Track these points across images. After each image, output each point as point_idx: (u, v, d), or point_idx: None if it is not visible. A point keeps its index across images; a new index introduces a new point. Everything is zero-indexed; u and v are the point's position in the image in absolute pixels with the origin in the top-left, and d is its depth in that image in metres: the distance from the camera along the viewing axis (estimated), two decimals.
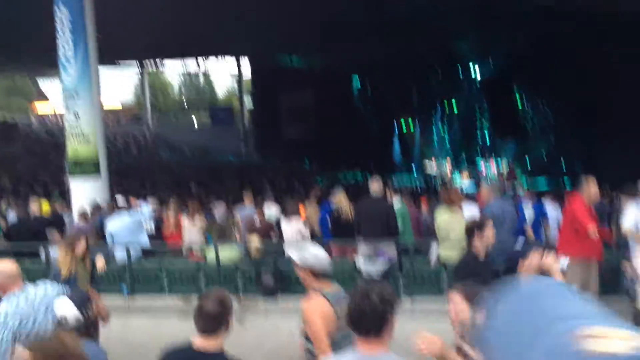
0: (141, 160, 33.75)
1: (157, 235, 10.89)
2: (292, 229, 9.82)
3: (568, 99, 26.39)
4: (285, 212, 10.44)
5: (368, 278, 8.67)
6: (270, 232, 10.19)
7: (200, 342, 3.44)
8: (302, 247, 4.41)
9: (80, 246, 6.33)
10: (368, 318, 2.93)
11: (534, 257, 4.03)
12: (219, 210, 12.14)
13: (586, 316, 0.88)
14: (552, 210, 10.45)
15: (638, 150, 20.57)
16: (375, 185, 9.22)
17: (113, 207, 11.64)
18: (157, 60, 39.84)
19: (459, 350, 3.30)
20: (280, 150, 33.32)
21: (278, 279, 8.84)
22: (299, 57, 32.75)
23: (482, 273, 5.02)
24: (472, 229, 5.18)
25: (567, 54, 24.04)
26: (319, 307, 3.92)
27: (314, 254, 4.15)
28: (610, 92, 22.78)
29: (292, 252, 4.47)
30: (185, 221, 11.06)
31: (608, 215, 9.69)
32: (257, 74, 37.46)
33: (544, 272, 4.06)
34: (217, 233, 10.12)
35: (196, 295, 9.16)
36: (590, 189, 7.32)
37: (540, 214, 10.27)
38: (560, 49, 23.92)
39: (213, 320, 3.47)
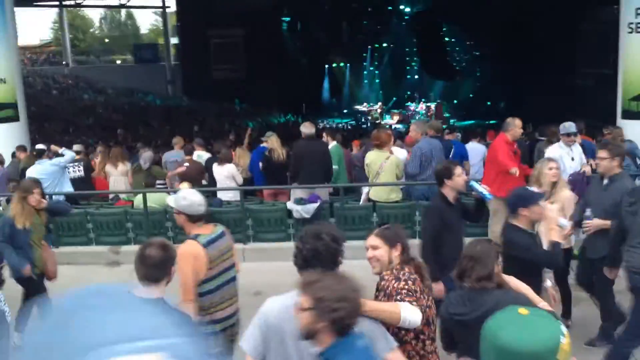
0: (62, 103, 32.43)
1: (87, 182, 10.52)
2: (225, 172, 9.70)
3: (495, 39, 26.77)
4: (218, 156, 10.28)
5: (299, 218, 8.71)
6: (201, 176, 10.01)
7: (142, 291, 3.32)
8: (178, 193, 4.51)
9: (35, 196, 5.93)
10: (322, 257, 2.96)
11: (538, 208, 4.35)
12: (144, 154, 11.80)
13: (130, 338, 0.74)
14: (477, 149, 10.60)
15: (559, 91, 21.21)
16: (308, 128, 9.16)
17: (33, 154, 11.14)
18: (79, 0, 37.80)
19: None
20: (209, 91, 32.55)
21: None
22: None
23: (453, 217, 5.16)
24: (441, 176, 5.20)
25: None
26: (189, 253, 4.05)
27: (188, 199, 4.22)
28: (535, 34, 23.21)
29: (169, 199, 4.63)
30: (109, 167, 10.76)
31: (530, 152, 9.92)
32: (183, 9, 36.05)
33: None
34: (143, 178, 9.90)
35: (124, 244, 9.01)
36: (515, 128, 7.45)
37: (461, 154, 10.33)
38: None
39: (156, 269, 3.40)
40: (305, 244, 3.00)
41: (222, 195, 9.65)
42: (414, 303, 3.15)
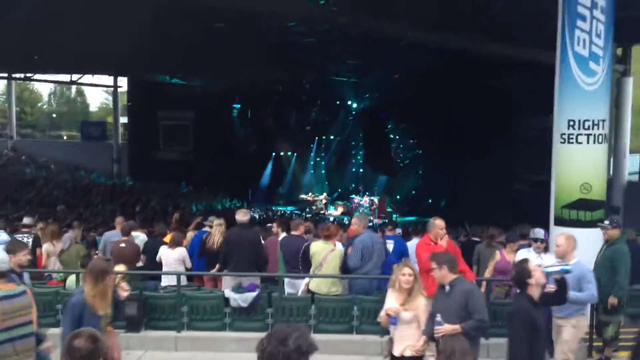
0: (3, 176, 31.63)
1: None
2: (176, 255, 9.61)
3: (436, 139, 27.74)
4: (162, 239, 10.19)
5: (237, 307, 8.60)
6: (136, 258, 9.82)
7: None
8: None
9: (111, 278, 5.38)
10: None
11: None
12: (66, 235, 11.53)
13: None
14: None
15: (497, 193, 21.90)
16: (242, 216, 9.21)
17: None
18: (29, 74, 37.56)
19: None
20: (155, 172, 32.33)
21: (143, 309, 8.48)
22: (180, 77, 32.13)
23: (541, 318, 5.27)
24: (521, 278, 5.31)
25: (437, 92, 25.27)
26: None
27: None
28: (475, 137, 24.15)
29: None
30: (48, 245, 10.48)
31: (467, 253, 10.12)
32: (134, 89, 36.20)
33: None
34: (76, 258, 9.65)
35: (53, 327, 8.63)
36: (436, 229, 7.66)
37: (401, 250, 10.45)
38: (432, 88, 25.10)
39: None
40: (268, 345, 2.80)
41: (167, 280, 9.46)
42: None
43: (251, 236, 9.19)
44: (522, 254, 7.42)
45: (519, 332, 5.09)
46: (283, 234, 9.97)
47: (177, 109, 33.47)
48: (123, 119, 39.60)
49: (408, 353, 5.85)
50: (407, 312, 5.86)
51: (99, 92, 55.97)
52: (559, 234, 7.04)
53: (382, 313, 6.05)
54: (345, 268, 8.67)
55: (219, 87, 31.72)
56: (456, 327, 5.48)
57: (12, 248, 6.10)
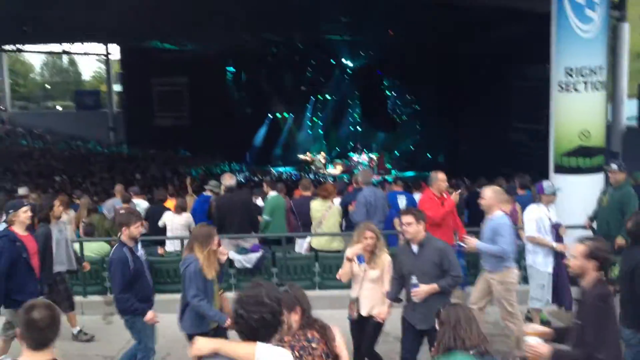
0: (0, 148, 31.60)
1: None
2: (182, 221, 9.64)
3: (433, 94, 27.60)
4: (162, 205, 10.22)
5: (242, 268, 8.68)
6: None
7: (29, 358, 3.00)
8: None
9: (216, 241, 5.60)
10: (270, 324, 2.78)
11: None
12: (83, 202, 11.62)
13: None
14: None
15: (495, 145, 21.89)
16: (228, 180, 9.24)
17: None
18: (20, 45, 37.13)
19: None
20: (152, 139, 32.31)
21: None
22: (171, 43, 31.80)
23: None
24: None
25: (432, 47, 25.06)
26: None
27: None
28: (472, 90, 24.02)
29: None
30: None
31: (466, 205, 10.17)
32: (127, 57, 35.91)
33: None
34: (83, 227, 9.72)
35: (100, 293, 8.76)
36: (439, 182, 7.70)
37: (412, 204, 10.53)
38: (427, 42, 24.87)
39: (45, 331, 3.03)
40: (251, 313, 2.77)
41: (171, 245, 9.53)
42: (287, 348, 3.03)
43: (242, 199, 9.23)
44: (532, 209, 7.21)
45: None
46: (273, 193, 10.08)
47: (170, 75, 33.29)
48: (117, 87, 39.38)
49: (375, 312, 5.73)
50: (373, 270, 5.72)
51: (91, 60, 55.54)
52: (485, 188, 6.97)
53: (341, 270, 5.85)
54: (349, 224, 8.72)
55: (212, 51, 31.43)
56: (434, 287, 5.38)
57: (125, 220, 5.94)
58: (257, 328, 2.75)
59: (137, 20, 23.18)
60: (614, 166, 7.96)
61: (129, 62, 35.59)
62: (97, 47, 38.89)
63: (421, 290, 5.40)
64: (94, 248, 9.02)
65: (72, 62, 62.25)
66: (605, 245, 4.29)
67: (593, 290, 4.09)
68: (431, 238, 5.63)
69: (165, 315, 6.20)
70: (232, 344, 2.82)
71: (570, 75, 9.11)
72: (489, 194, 6.73)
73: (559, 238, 7.16)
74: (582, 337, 3.78)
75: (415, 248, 5.59)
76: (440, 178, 7.74)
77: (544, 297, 7.18)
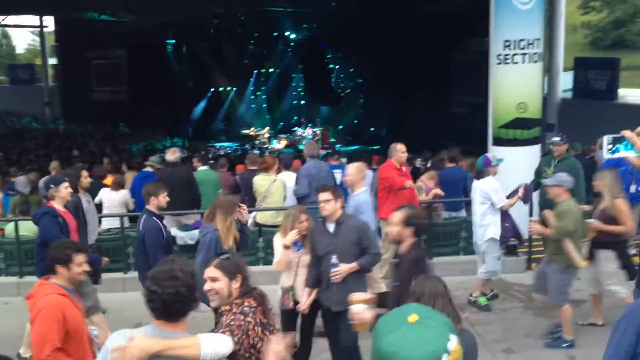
0: None
1: None
2: (118, 199, 9.43)
3: (376, 68, 27.66)
4: (105, 182, 9.98)
5: (184, 245, 8.59)
6: None
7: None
8: None
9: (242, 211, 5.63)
10: (184, 298, 2.72)
11: None
12: (20, 180, 11.26)
13: None
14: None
15: (436, 118, 22.16)
16: (172, 155, 9.11)
17: None
18: None
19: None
20: (90, 114, 31.41)
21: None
22: (109, 14, 30.81)
23: None
24: None
25: (374, 20, 25.04)
26: None
27: None
28: (413, 63, 24.17)
29: None
30: None
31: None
32: (62, 29, 34.64)
33: None
34: (17, 205, 9.40)
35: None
36: (398, 153, 7.78)
37: None
38: (370, 14, 24.84)
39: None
40: (165, 288, 2.69)
41: (109, 223, 9.31)
42: (227, 334, 3.02)
43: (182, 174, 9.09)
44: (489, 181, 7.30)
45: None
46: (203, 167, 10.07)
47: (108, 48, 32.32)
48: (52, 60, 38.04)
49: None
50: (309, 255, 5.55)
51: (25, 33, 53.30)
52: (349, 164, 7.16)
53: (277, 258, 5.66)
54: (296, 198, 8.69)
55: (151, 22, 30.60)
56: (353, 266, 5.21)
57: (153, 190, 5.95)
58: (172, 302, 2.69)
59: None
60: (556, 139, 8.17)
61: (64, 35, 34.37)
62: (31, 19, 37.37)
63: (341, 269, 5.18)
64: (30, 227, 8.74)
65: (5, 35, 59.74)
66: (422, 213, 4.77)
67: (409, 254, 4.47)
68: (348, 216, 5.48)
69: (106, 294, 6.12)
70: (175, 341, 2.74)
71: (509, 48, 9.26)
72: (352, 170, 6.82)
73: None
74: (400, 297, 3.95)
75: (331, 227, 5.35)
76: (399, 149, 7.80)
77: (498, 268, 7.39)
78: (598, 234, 6.30)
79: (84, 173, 7.41)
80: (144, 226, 5.82)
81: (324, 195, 5.33)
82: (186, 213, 8.76)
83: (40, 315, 3.87)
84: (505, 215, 7.28)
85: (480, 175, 7.41)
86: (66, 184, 6.23)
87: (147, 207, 5.92)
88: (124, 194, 9.46)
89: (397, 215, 4.53)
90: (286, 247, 5.53)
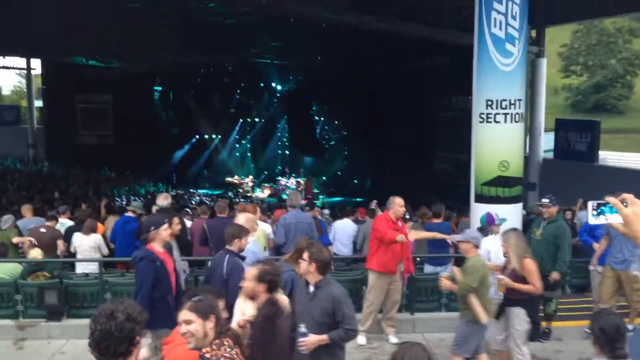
0: None
1: None
2: (90, 242, 9.26)
3: (360, 121, 28.01)
4: (82, 225, 9.84)
5: None
6: (56, 245, 9.47)
7: None
8: None
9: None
10: (114, 338, 2.68)
11: None
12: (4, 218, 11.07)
13: None
14: (348, 226, 10.90)
15: (420, 173, 22.34)
16: (163, 200, 9.06)
17: None
18: None
19: None
20: (74, 157, 31.31)
21: (64, 297, 8.22)
22: (97, 59, 31.05)
23: None
24: None
25: (359, 75, 25.49)
26: None
27: None
28: (398, 118, 24.50)
29: None
30: None
31: None
32: (49, 72, 34.78)
33: None
34: None
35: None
36: (396, 206, 7.81)
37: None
38: (356, 69, 25.28)
39: None
40: (97, 325, 2.70)
41: (83, 268, 9.18)
42: None
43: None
44: (488, 240, 7.31)
45: None
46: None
47: (95, 92, 32.49)
48: (38, 103, 38.04)
49: None
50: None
51: (11, 74, 53.42)
52: (240, 214, 7.15)
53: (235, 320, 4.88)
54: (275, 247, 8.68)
55: (139, 69, 30.90)
56: (323, 338, 4.75)
57: (238, 232, 5.95)
58: (101, 341, 2.68)
59: (61, 36, 22.54)
60: (545, 200, 8.20)
61: (51, 78, 34.50)
62: (18, 61, 37.49)
63: (309, 340, 4.73)
64: (7, 269, 8.61)
65: None
66: (275, 269, 4.66)
67: (262, 310, 4.45)
68: (329, 282, 4.96)
69: (79, 341, 5.98)
70: None
71: (491, 107, 9.42)
72: (241, 220, 6.79)
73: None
74: (252, 355, 3.93)
75: (311, 289, 4.95)
76: (397, 203, 7.82)
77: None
78: (509, 291, 6.37)
79: (175, 220, 7.39)
80: (231, 266, 5.76)
81: (304, 254, 5.02)
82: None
83: None
84: None
85: (482, 232, 7.32)
86: (166, 226, 6.12)
87: (230, 247, 5.91)
88: (94, 238, 9.31)
89: (251, 271, 4.52)
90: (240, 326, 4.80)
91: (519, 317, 6.34)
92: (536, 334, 6.41)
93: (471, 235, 6.41)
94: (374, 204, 12.67)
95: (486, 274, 6.31)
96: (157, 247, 6.04)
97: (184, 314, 3.34)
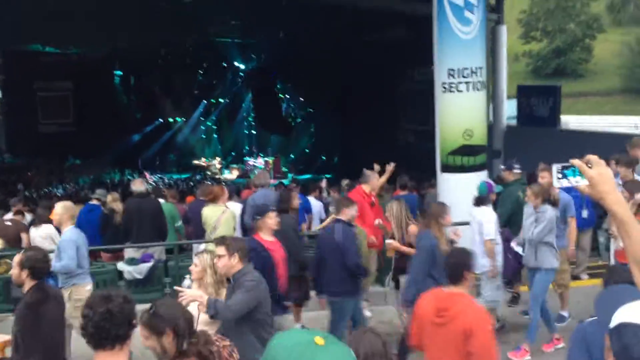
0: None
1: None
2: (41, 234, 8.88)
3: (325, 97, 27.94)
4: (35, 216, 9.62)
5: (131, 280, 8.41)
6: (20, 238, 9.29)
7: None
8: None
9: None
10: (116, 319, 2.59)
11: None
12: None
13: None
14: (316, 204, 10.90)
15: (385, 146, 22.39)
16: (138, 186, 8.96)
17: None
18: None
19: None
20: (37, 147, 30.71)
21: None
22: (54, 46, 30.36)
23: None
24: None
25: (322, 50, 25.34)
26: None
27: None
28: (362, 93, 24.49)
29: None
30: None
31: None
32: (6, 61, 33.90)
33: None
34: None
35: None
36: (374, 180, 7.82)
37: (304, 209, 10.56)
38: (317, 45, 25.12)
39: None
40: (96, 308, 2.61)
41: None
42: None
43: (151, 206, 8.95)
44: (488, 211, 7.12)
45: None
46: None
47: (54, 80, 31.77)
48: None
49: None
50: None
51: None
52: (59, 203, 7.04)
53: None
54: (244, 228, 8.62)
55: (97, 53, 30.30)
56: (201, 295, 4.34)
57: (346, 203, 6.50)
58: (101, 323, 2.59)
59: (16, 22, 21.95)
60: (517, 166, 8.34)
61: (8, 67, 33.63)
62: None
63: (186, 293, 4.35)
64: None
65: None
66: (38, 255, 4.55)
67: (25, 298, 4.36)
68: (246, 273, 4.56)
69: None
70: None
71: (453, 76, 9.46)
72: (59, 210, 6.65)
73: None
74: (16, 343, 3.91)
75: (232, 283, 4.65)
76: (375, 177, 7.86)
77: (500, 298, 7.22)
78: (399, 260, 6.68)
79: (294, 194, 7.82)
80: (343, 234, 6.21)
81: (218, 250, 4.62)
82: (151, 245, 8.60)
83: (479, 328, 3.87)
84: (507, 246, 7.23)
85: (480, 201, 7.16)
86: (272, 213, 5.99)
87: (339, 216, 6.37)
88: (47, 229, 8.87)
89: (16, 257, 4.46)
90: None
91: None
92: None
93: None
94: (323, 182, 12.72)
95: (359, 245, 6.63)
96: (265, 235, 5.91)
97: (140, 329, 3.05)
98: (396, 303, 6.98)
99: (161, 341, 3.01)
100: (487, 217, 7.02)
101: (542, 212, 6.65)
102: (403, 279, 6.57)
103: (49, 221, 9.19)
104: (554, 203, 6.94)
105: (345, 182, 11.49)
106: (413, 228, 6.54)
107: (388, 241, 6.84)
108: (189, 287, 4.74)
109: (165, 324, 3.01)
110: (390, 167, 8.88)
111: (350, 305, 6.39)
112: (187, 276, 5.02)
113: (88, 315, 2.62)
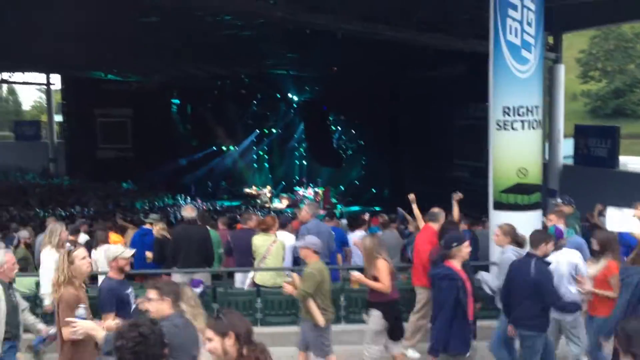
0: None
1: None
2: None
3: (378, 131, 27.96)
4: (95, 239, 9.85)
5: None
6: None
7: None
8: None
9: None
10: (150, 342, 2.71)
11: None
12: (23, 236, 11.17)
13: None
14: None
15: (437, 181, 22.24)
16: (189, 212, 9.09)
17: None
18: None
19: None
20: (94, 171, 31.65)
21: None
22: (115, 74, 31.41)
23: None
24: None
25: (376, 84, 25.45)
26: None
27: None
28: (415, 127, 24.43)
29: None
30: None
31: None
32: (69, 87, 35.23)
33: None
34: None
35: None
36: (441, 219, 7.84)
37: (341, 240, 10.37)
38: (372, 79, 25.25)
39: None
40: (128, 335, 2.72)
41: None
42: None
43: (199, 233, 9.06)
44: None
45: None
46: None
47: (114, 106, 32.86)
48: (57, 117, 38.55)
49: None
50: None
51: (31, 90, 54.21)
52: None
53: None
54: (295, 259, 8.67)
55: (157, 82, 31.22)
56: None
57: (543, 237, 6.35)
58: (137, 348, 2.68)
59: (80, 51, 22.83)
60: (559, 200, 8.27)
61: (71, 93, 34.98)
62: (38, 77, 38.05)
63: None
64: (27, 284, 8.66)
65: (12, 92, 60.79)
66: None
67: None
68: (174, 317, 4.44)
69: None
70: None
71: (508, 114, 9.35)
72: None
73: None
74: None
75: None
76: (443, 214, 7.92)
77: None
78: (369, 294, 6.80)
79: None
80: (539, 271, 6.03)
81: (149, 293, 4.54)
82: (197, 271, 8.70)
83: None
84: None
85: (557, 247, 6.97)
86: (467, 243, 5.93)
87: (534, 252, 6.20)
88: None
89: None
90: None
91: (373, 317, 6.77)
92: (397, 335, 6.87)
93: (311, 242, 6.64)
94: (366, 216, 12.63)
95: (323, 280, 6.53)
96: (456, 264, 5.86)
97: (206, 332, 3.35)
98: None
99: (223, 343, 3.23)
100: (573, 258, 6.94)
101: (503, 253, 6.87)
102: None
103: (107, 242, 9.49)
104: (519, 244, 7.04)
105: (366, 215, 11.52)
106: (379, 262, 6.59)
107: (353, 272, 6.97)
108: (83, 316, 4.63)
109: (228, 327, 3.27)
110: (457, 196, 8.84)
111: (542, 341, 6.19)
112: (82, 305, 4.84)
113: (122, 346, 2.72)
